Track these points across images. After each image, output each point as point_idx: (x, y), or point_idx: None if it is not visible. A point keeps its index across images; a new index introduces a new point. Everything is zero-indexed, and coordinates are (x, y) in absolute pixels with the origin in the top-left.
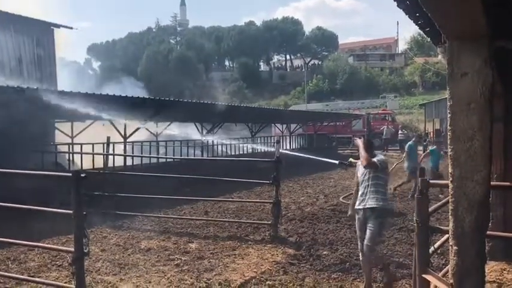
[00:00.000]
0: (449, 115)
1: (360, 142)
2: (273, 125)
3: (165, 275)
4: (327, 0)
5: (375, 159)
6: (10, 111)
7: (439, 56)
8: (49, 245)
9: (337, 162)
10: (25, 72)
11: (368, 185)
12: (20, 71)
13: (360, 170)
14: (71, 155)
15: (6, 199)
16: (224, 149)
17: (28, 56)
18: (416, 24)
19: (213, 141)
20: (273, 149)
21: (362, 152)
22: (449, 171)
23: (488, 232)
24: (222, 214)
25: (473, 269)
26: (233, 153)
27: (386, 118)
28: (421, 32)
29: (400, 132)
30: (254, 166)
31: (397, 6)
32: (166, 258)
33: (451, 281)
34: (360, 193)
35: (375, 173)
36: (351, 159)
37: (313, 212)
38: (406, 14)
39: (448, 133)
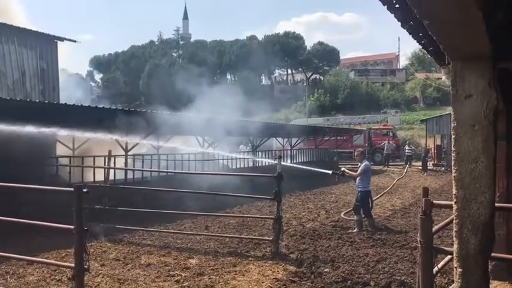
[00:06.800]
0: (453, 136)
1: None
2: (274, 139)
3: None
4: (329, 15)
5: None
6: (12, 124)
7: (443, 77)
8: (49, 260)
9: (330, 172)
10: (28, 85)
11: None
12: (22, 83)
13: None
14: (71, 167)
15: (6, 213)
16: (225, 163)
17: (31, 68)
18: (419, 44)
19: (214, 155)
20: (274, 162)
21: None
22: (453, 193)
23: (493, 254)
24: (223, 229)
25: None
26: (234, 167)
27: (388, 133)
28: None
29: (407, 148)
30: (255, 181)
31: (401, 26)
32: (167, 274)
33: None
34: None
35: None
36: (343, 169)
37: (315, 228)
38: (410, 34)
39: (452, 154)
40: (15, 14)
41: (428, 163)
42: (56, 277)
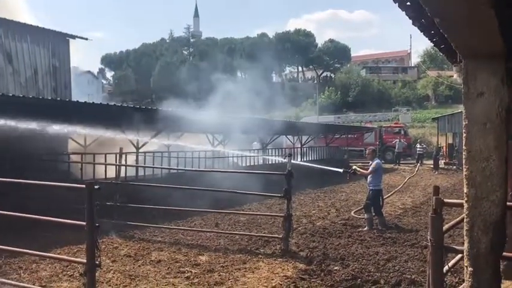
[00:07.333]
0: (464, 135)
1: None
2: (284, 137)
3: None
4: (340, 13)
5: None
6: (25, 121)
7: (455, 75)
8: (61, 256)
9: (341, 170)
10: (40, 82)
11: None
12: (35, 80)
13: None
14: (83, 164)
15: (19, 208)
16: (235, 160)
17: (44, 66)
18: (431, 42)
19: (224, 153)
20: (284, 160)
21: None
22: (465, 191)
23: (504, 253)
24: (233, 226)
25: None
26: (244, 164)
27: (399, 132)
28: None
29: (419, 146)
30: (265, 178)
31: (412, 24)
32: (177, 270)
33: None
34: None
35: None
36: (355, 167)
37: (325, 226)
38: (421, 32)
39: (464, 153)
40: (20, 11)
41: (439, 161)
42: (68, 273)
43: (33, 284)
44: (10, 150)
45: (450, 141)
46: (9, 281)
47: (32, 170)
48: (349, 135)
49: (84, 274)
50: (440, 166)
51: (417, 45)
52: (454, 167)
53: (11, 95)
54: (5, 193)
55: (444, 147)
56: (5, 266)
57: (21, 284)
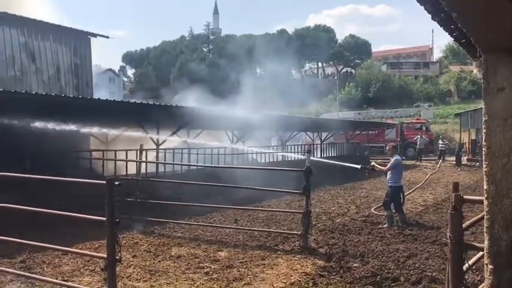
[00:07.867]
0: (484, 131)
1: None
2: (303, 133)
3: (195, 283)
4: (360, 8)
5: None
6: (47, 117)
7: (475, 70)
8: (83, 251)
9: (359, 166)
10: (63, 80)
11: None
12: (57, 78)
13: None
14: (104, 161)
15: (42, 204)
16: (254, 157)
17: (66, 64)
18: (451, 36)
19: (243, 149)
20: (303, 157)
21: None
22: (484, 188)
23: None
24: (252, 223)
25: None
26: (263, 161)
27: (421, 128)
28: None
29: (441, 142)
30: (284, 175)
31: (432, 18)
32: (196, 266)
33: None
34: None
35: None
36: (373, 164)
37: (344, 223)
38: (441, 26)
39: (483, 149)
40: (38, 9)
41: (462, 158)
42: (90, 267)
43: (56, 278)
44: (33, 147)
45: (473, 137)
46: (33, 275)
47: (54, 166)
48: (370, 132)
49: (105, 269)
50: (463, 162)
51: (439, 40)
52: (477, 163)
53: (34, 92)
54: (28, 189)
55: (467, 144)
56: (29, 261)
57: (45, 278)
